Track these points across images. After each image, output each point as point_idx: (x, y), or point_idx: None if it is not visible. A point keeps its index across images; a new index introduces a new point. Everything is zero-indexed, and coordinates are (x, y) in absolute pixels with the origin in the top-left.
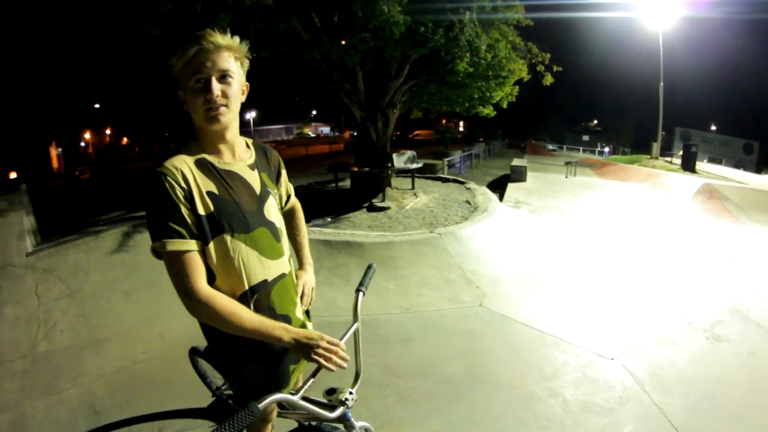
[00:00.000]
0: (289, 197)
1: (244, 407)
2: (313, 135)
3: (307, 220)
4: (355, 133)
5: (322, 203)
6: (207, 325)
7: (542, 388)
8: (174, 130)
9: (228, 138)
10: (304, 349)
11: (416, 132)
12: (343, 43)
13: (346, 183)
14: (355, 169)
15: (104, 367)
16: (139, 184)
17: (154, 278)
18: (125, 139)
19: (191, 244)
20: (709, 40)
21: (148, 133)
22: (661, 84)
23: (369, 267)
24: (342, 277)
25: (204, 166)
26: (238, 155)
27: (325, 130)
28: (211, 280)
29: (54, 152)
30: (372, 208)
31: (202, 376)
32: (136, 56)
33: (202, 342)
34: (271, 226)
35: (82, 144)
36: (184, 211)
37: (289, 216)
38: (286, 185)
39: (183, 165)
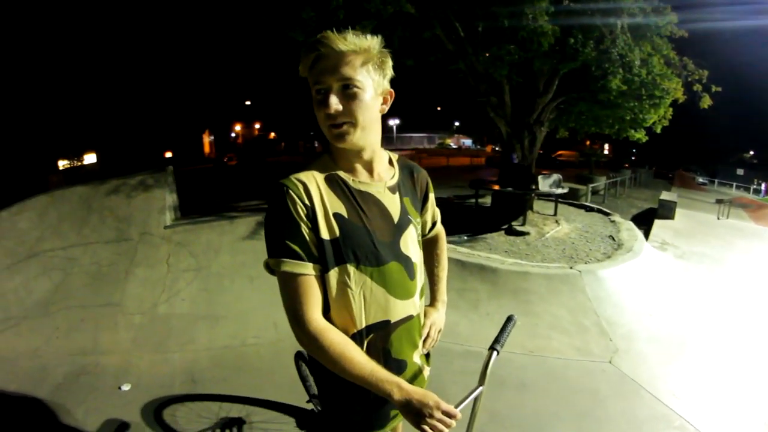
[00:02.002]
0: (434, 224)
1: None
2: (454, 146)
3: None
4: (497, 148)
5: (460, 219)
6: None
7: None
8: (318, 130)
9: (364, 156)
10: (414, 415)
11: (559, 152)
12: (488, 54)
13: (486, 200)
14: (498, 187)
15: (213, 341)
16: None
17: None
18: (273, 134)
19: (308, 268)
20: None
21: (294, 130)
22: None
23: (509, 320)
24: (470, 302)
25: (335, 184)
26: (378, 174)
27: (467, 142)
28: (326, 310)
29: (207, 139)
30: (511, 232)
31: (303, 379)
32: (284, 59)
33: None
34: (405, 261)
35: (233, 135)
36: (305, 230)
37: (430, 244)
38: (433, 210)
39: (309, 179)
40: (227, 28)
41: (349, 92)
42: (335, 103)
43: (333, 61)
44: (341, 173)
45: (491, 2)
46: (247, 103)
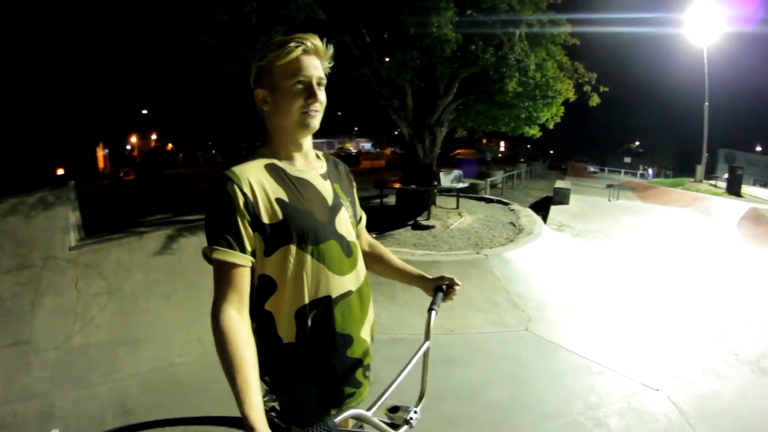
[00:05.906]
0: (360, 218)
1: (320, 422)
2: (354, 151)
3: None
4: (397, 150)
5: (367, 219)
6: (259, 338)
7: (587, 418)
8: (217, 139)
9: (305, 145)
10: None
11: (458, 151)
12: (388, 59)
13: (391, 199)
14: (400, 185)
15: (138, 367)
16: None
17: (196, 282)
18: (170, 145)
19: (239, 258)
20: (754, 57)
21: (192, 140)
22: (706, 104)
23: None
24: (386, 294)
25: (275, 172)
26: (310, 163)
27: (367, 146)
28: (272, 291)
29: (101, 153)
30: (417, 226)
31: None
32: (185, 65)
33: None
34: (341, 239)
35: (128, 147)
36: (242, 221)
37: (373, 250)
38: (358, 204)
39: (252, 171)
40: (125, 29)
41: (321, 86)
42: (321, 93)
43: (316, 60)
44: (279, 162)
45: (399, 11)
46: (144, 112)
